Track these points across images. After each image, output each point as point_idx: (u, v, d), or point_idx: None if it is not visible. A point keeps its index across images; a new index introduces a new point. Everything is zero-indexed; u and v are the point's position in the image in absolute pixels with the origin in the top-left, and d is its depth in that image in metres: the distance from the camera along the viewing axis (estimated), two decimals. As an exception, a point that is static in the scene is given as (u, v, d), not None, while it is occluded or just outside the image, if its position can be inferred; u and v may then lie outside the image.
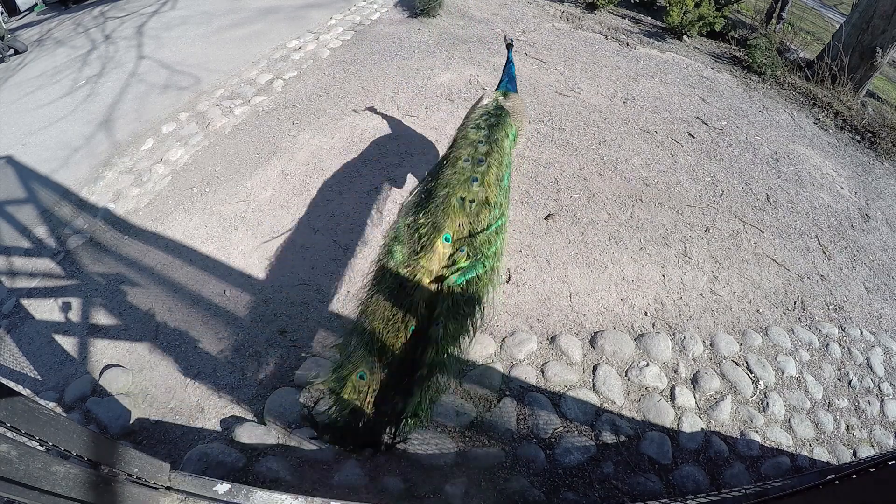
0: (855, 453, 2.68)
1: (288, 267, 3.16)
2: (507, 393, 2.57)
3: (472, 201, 2.23)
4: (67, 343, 2.76)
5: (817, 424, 2.75)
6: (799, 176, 4.54)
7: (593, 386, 2.66)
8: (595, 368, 2.74)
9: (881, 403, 2.93)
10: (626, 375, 2.74)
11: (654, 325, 3.01)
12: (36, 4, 7.73)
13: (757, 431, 2.62)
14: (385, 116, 4.49)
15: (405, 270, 1.98)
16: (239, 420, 2.39)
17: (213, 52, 5.70)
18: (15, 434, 1.29)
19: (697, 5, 6.70)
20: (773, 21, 7.99)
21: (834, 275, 3.63)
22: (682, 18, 6.66)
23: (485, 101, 3.04)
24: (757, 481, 2.37)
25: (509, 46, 3.48)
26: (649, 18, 7.39)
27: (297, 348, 2.70)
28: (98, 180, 3.90)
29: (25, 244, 3.43)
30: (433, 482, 2.23)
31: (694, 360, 2.88)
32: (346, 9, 6.62)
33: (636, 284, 3.23)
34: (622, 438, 2.47)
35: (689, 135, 4.75)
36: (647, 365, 2.76)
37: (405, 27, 6.16)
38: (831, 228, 4.05)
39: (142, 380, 2.57)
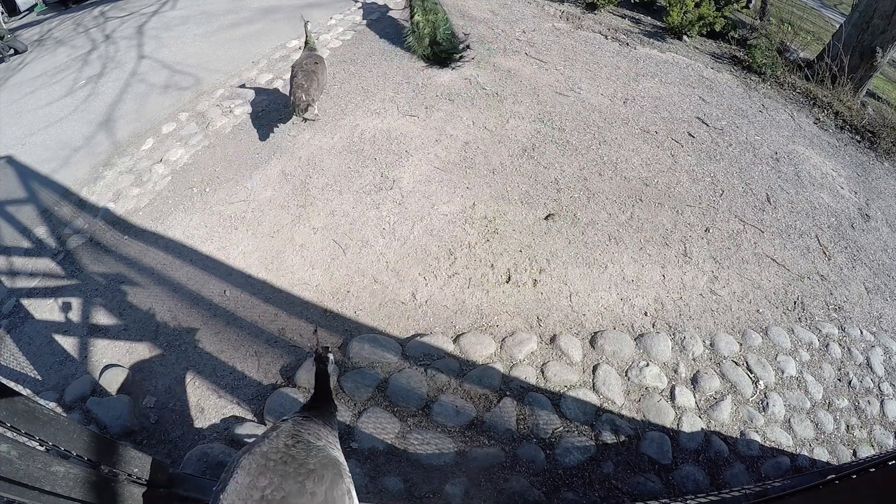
0: (855, 453, 2.68)
1: (287, 266, 3.16)
2: (507, 393, 2.57)
3: None
4: (67, 343, 2.76)
5: (817, 424, 2.75)
6: (799, 176, 4.54)
7: (593, 386, 2.66)
8: (595, 368, 2.74)
9: (881, 403, 2.94)
10: (626, 375, 2.74)
11: (654, 325, 3.01)
12: (36, 4, 7.74)
13: (757, 431, 2.62)
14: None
15: None
16: (239, 420, 2.39)
17: (214, 51, 5.70)
18: (15, 434, 1.29)
19: (697, 5, 6.69)
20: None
21: (834, 275, 3.63)
22: (682, 18, 6.65)
23: None
24: (757, 481, 2.37)
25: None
26: (649, 18, 7.39)
27: (297, 349, 2.70)
28: (98, 180, 3.90)
29: (25, 244, 3.43)
30: (433, 482, 2.23)
31: (694, 360, 2.88)
32: (347, 8, 6.61)
33: (636, 284, 3.23)
34: (622, 438, 2.47)
35: (689, 135, 4.74)
36: (647, 365, 2.77)
37: (405, 27, 6.14)
38: (831, 228, 4.04)
39: (141, 380, 2.58)
